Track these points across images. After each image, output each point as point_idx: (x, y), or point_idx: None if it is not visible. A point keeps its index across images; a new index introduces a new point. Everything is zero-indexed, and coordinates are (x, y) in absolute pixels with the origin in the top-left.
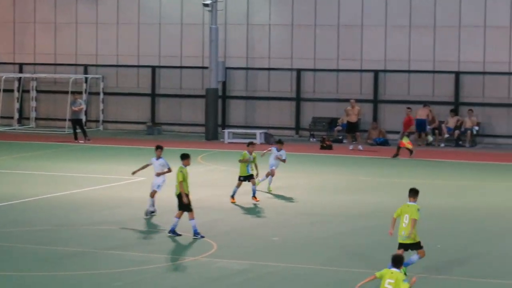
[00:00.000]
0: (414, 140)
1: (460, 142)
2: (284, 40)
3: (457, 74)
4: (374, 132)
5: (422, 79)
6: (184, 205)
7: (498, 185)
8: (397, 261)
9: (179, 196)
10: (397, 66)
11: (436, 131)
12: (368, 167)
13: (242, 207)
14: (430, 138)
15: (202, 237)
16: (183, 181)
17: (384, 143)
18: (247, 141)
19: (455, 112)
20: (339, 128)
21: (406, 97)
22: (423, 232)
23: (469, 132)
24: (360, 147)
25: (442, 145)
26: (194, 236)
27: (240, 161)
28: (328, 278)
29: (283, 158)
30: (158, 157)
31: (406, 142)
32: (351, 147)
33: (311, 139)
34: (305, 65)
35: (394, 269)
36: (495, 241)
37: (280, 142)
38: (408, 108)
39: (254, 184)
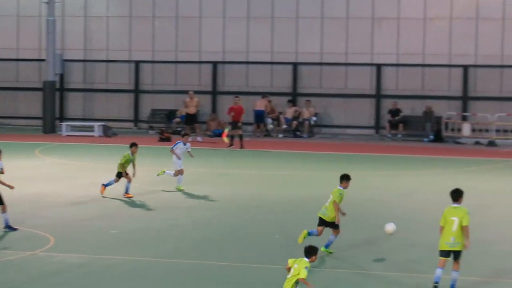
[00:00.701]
0: (252, 130)
1: (298, 133)
2: (122, 32)
3: (295, 65)
4: (213, 124)
5: (261, 70)
6: None
7: (335, 175)
8: (308, 251)
9: None
10: (236, 57)
11: (275, 122)
12: (207, 158)
13: (80, 201)
14: (271, 125)
15: (16, 229)
16: None
17: (223, 134)
18: (85, 134)
19: (293, 102)
20: (178, 119)
21: (245, 88)
22: (265, 223)
23: (306, 122)
24: (199, 138)
25: (281, 135)
26: (6, 229)
27: (122, 164)
28: (166, 271)
29: (189, 150)
30: None
31: (227, 131)
32: (189, 138)
33: (149, 131)
34: (143, 57)
35: (305, 258)
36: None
37: (186, 134)
38: (236, 97)
39: (116, 181)
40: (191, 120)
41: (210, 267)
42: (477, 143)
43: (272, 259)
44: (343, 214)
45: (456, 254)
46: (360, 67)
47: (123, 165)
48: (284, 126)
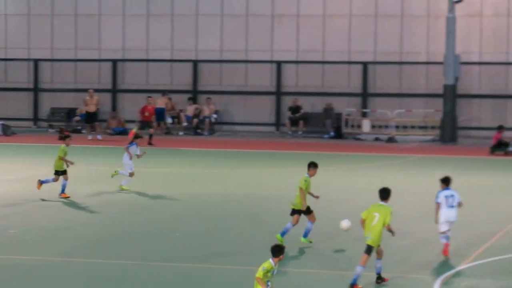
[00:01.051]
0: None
1: (199, 130)
2: (20, 30)
3: (195, 62)
4: (113, 122)
5: (161, 68)
6: None
7: (236, 172)
8: (274, 251)
9: None
10: (136, 55)
11: (175, 120)
12: (107, 157)
13: None
14: (170, 123)
15: None
16: None
17: (123, 132)
18: None
19: (193, 100)
20: (77, 118)
21: (145, 86)
22: (168, 221)
23: (207, 120)
24: (99, 137)
25: (181, 133)
26: None
27: (62, 158)
28: (64, 270)
29: (138, 153)
30: None
31: (135, 130)
32: (90, 137)
33: (49, 130)
34: (43, 55)
35: (270, 259)
36: (233, 226)
37: (140, 136)
38: (149, 96)
39: (66, 179)
40: (91, 118)
41: (108, 265)
42: (376, 139)
43: (171, 257)
44: (317, 197)
45: (368, 248)
46: (260, 64)
47: (61, 160)
48: (185, 124)
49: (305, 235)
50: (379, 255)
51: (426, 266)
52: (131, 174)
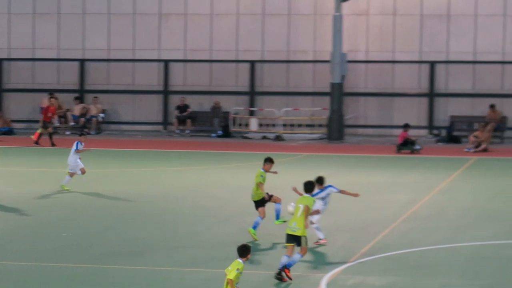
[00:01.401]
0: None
1: (86, 130)
2: None
3: (82, 61)
4: None
5: (47, 67)
6: None
7: (123, 172)
8: (242, 251)
9: None
10: (22, 54)
11: (62, 119)
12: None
13: None
14: (55, 121)
15: None
16: None
17: (9, 132)
18: None
19: (80, 99)
20: None
21: (31, 86)
22: (54, 222)
23: (94, 119)
24: None
25: (68, 133)
26: None
27: None
28: None
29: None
30: None
31: (40, 131)
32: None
33: None
34: None
35: (239, 259)
36: (121, 226)
37: (83, 134)
38: (51, 97)
39: None
40: None
41: None
42: (264, 137)
43: (53, 257)
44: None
45: (297, 240)
46: (147, 63)
47: None
48: (72, 123)
49: (254, 228)
50: (290, 253)
51: (313, 264)
52: (72, 174)
